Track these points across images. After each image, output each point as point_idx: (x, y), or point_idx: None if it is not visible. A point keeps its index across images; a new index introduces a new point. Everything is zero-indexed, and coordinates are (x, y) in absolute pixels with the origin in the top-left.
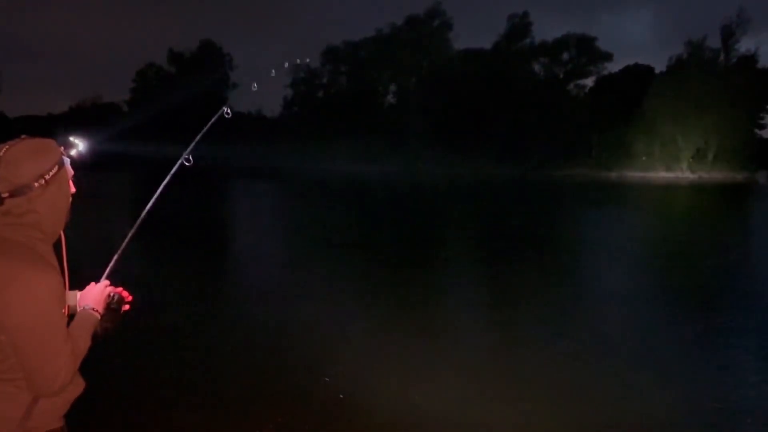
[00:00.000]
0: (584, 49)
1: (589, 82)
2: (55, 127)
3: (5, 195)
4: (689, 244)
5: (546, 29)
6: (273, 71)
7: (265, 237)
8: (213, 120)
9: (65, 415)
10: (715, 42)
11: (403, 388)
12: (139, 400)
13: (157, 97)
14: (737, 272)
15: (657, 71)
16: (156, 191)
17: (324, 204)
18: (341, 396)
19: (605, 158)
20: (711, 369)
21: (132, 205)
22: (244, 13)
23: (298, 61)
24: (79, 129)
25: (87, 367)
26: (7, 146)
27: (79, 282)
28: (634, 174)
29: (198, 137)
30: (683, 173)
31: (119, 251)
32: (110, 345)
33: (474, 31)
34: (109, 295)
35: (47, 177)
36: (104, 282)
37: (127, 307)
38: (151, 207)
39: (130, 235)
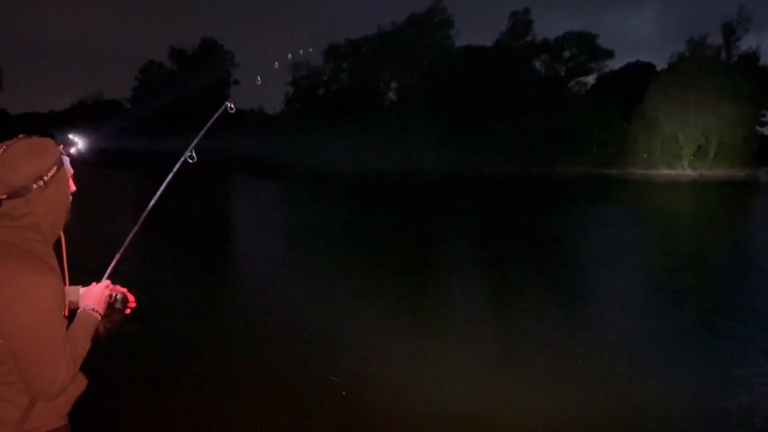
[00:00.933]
0: (585, 47)
1: (591, 79)
2: (56, 124)
3: (3, 197)
4: (691, 243)
5: (548, 26)
6: (276, 63)
7: (266, 234)
8: (216, 116)
9: (69, 413)
10: (716, 40)
11: (406, 385)
12: (140, 399)
13: (159, 94)
14: (745, 271)
15: (659, 69)
16: (159, 189)
17: (325, 201)
18: (344, 393)
19: (606, 155)
20: (715, 369)
21: (135, 204)
22: (245, 11)
23: (301, 52)
24: (81, 126)
25: (89, 367)
26: (4, 147)
27: (81, 281)
28: (634, 171)
29: (201, 133)
30: (684, 171)
31: (121, 251)
32: (112, 343)
33: (475, 29)
34: (110, 295)
35: (45, 178)
36: (105, 282)
37: (129, 310)
38: (154, 206)
39: (131, 234)
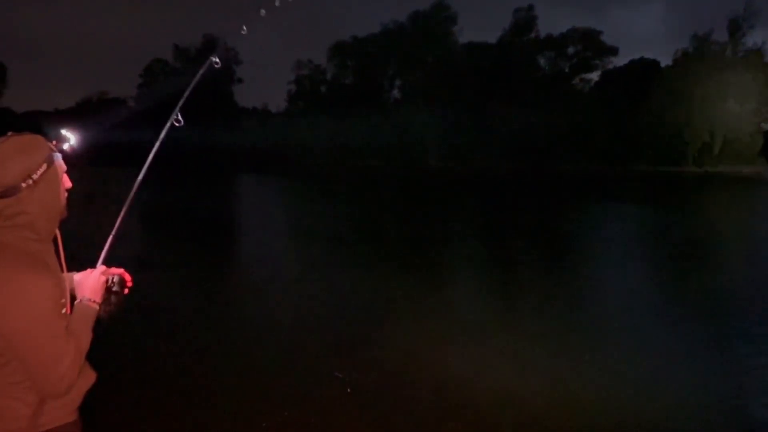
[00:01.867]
0: (589, 43)
1: (595, 76)
2: (60, 122)
3: None
4: (694, 241)
5: (552, 23)
6: (263, 11)
7: (269, 232)
8: (202, 71)
9: (79, 407)
10: (722, 36)
11: (410, 383)
12: (140, 399)
13: (163, 92)
14: (753, 268)
15: (664, 65)
16: (148, 159)
17: (329, 199)
18: (349, 390)
19: (610, 152)
20: (718, 368)
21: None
22: (245, 9)
23: None
24: (86, 124)
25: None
26: None
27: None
28: (639, 168)
29: (186, 93)
30: (689, 167)
31: (113, 231)
32: (111, 343)
33: (479, 26)
34: (107, 279)
35: (35, 176)
36: (101, 268)
37: (127, 290)
38: (143, 178)
39: (123, 211)
